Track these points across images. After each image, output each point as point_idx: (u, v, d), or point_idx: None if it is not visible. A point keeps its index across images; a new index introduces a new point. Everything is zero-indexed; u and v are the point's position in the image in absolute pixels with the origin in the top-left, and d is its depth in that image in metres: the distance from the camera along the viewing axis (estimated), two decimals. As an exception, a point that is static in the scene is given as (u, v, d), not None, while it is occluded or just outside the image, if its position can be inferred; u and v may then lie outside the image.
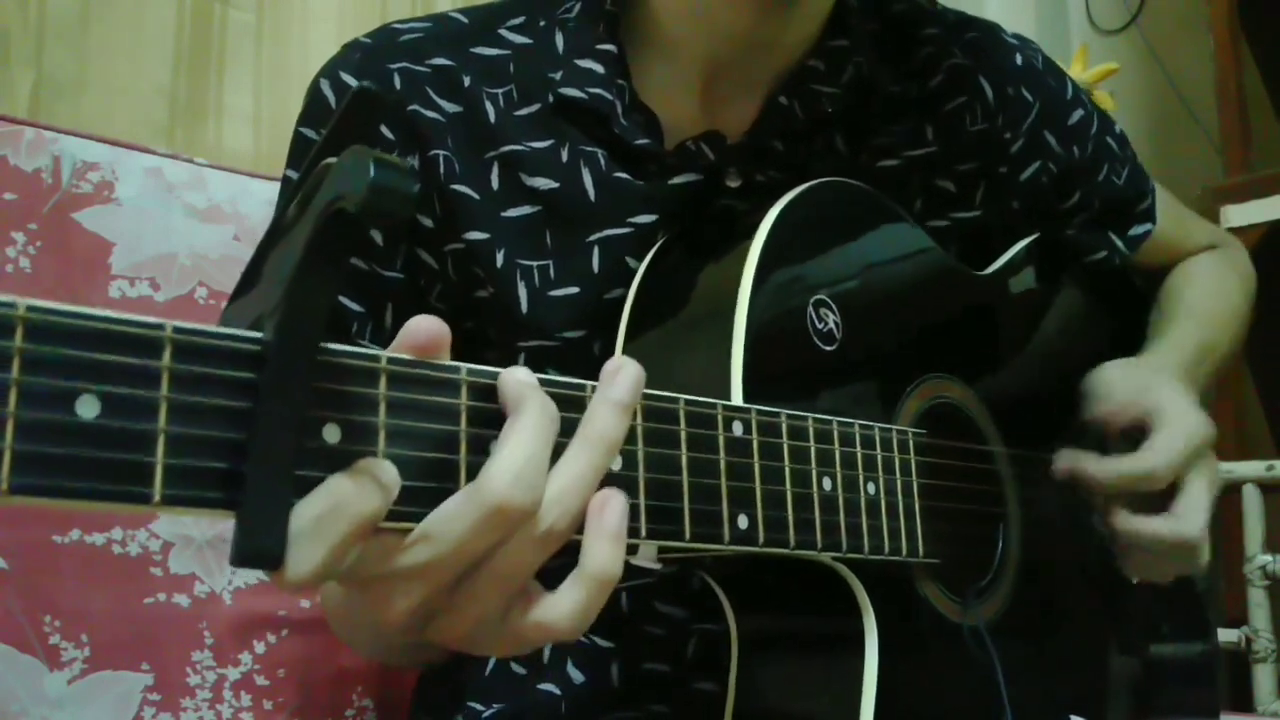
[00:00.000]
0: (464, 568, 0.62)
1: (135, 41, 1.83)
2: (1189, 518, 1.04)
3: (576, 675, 1.06)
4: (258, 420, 0.51)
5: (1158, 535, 1.04)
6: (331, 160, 0.52)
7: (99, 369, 0.48)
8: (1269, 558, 2.19)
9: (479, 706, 1.09)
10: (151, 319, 0.50)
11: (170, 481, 0.50)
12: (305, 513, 0.56)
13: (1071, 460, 1.07)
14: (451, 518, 0.60)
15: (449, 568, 0.61)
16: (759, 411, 0.79)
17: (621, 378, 0.66)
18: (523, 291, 1.02)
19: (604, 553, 0.64)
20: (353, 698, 1.39)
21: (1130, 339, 1.26)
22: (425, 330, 0.62)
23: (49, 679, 1.21)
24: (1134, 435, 1.07)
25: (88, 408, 0.48)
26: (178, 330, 0.50)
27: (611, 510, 0.65)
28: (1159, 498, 1.05)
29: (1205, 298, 1.31)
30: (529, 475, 0.60)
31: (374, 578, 0.61)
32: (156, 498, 0.49)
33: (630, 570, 0.78)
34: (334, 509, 0.56)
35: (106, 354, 0.49)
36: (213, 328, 0.52)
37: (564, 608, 0.65)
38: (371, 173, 0.48)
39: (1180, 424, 1.05)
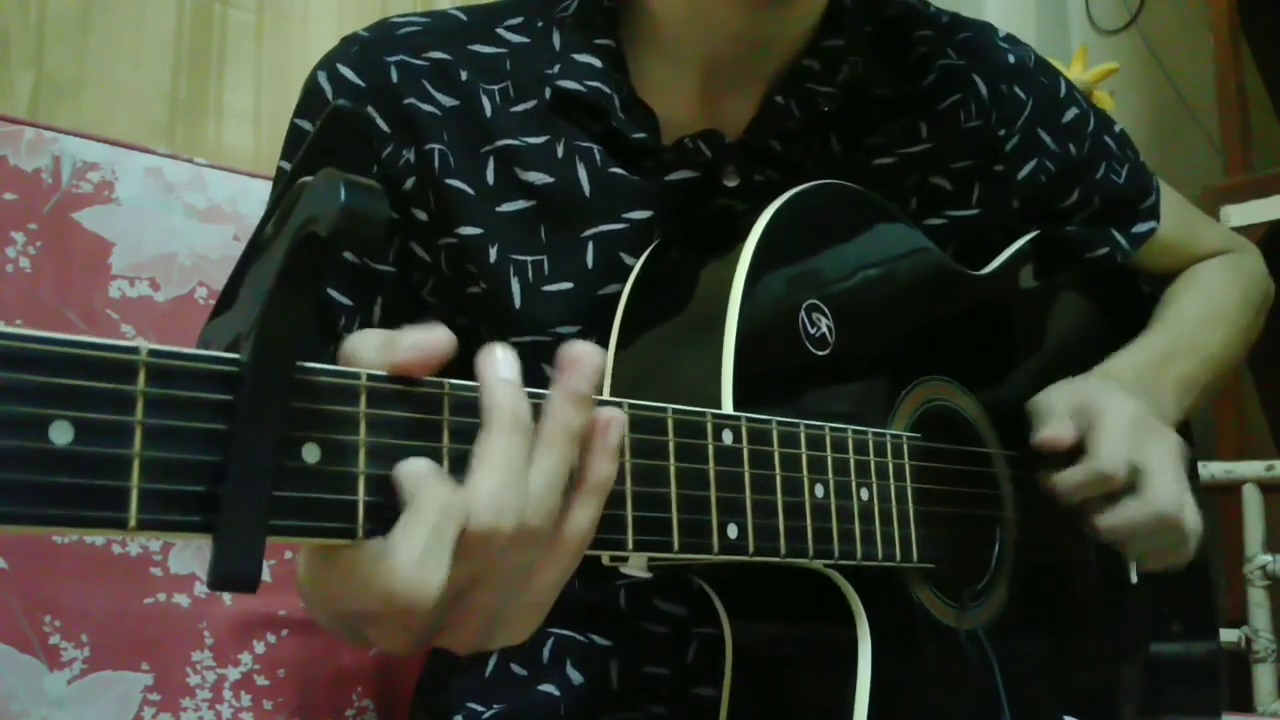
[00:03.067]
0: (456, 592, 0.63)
1: (135, 41, 1.82)
2: (1157, 492, 1.02)
3: (576, 676, 1.07)
4: (235, 442, 0.51)
5: (1133, 520, 1.03)
6: (308, 179, 0.52)
7: (72, 395, 0.48)
8: (1269, 558, 2.19)
9: (479, 707, 1.09)
10: (125, 343, 0.50)
11: (146, 506, 0.50)
12: (417, 534, 0.58)
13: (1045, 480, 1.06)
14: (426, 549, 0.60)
15: (434, 593, 0.61)
16: (749, 419, 0.79)
17: (581, 369, 0.66)
18: (516, 286, 1.01)
19: (607, 468, 0.67)
20: (353, 698, 1.39)
21: (1129, 340, 1.24)
22: (434, 341, 0.61)
23: (49, 679, 1.21)
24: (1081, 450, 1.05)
25: (61, 434, 0.48)
26: (152, 353, 0.50)
27: (614, 431, 0.67)
28: (1130, 487, 1.04)
29: (1188, 305, 1.29)
30: (509, 499, 0.61)
31: (374, 615, 0.62)
32: (132, 523, 0.49)
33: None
34: (445, 516, 0.59)
35: (79, 379, 0.48)
36: (188, 350, 0.52)
37: (583, 521, 0.66)
38: (343, 196, 0.48)
39: (1116, 414, 1.04)
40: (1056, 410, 1.06)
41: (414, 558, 0.57)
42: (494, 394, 0.63)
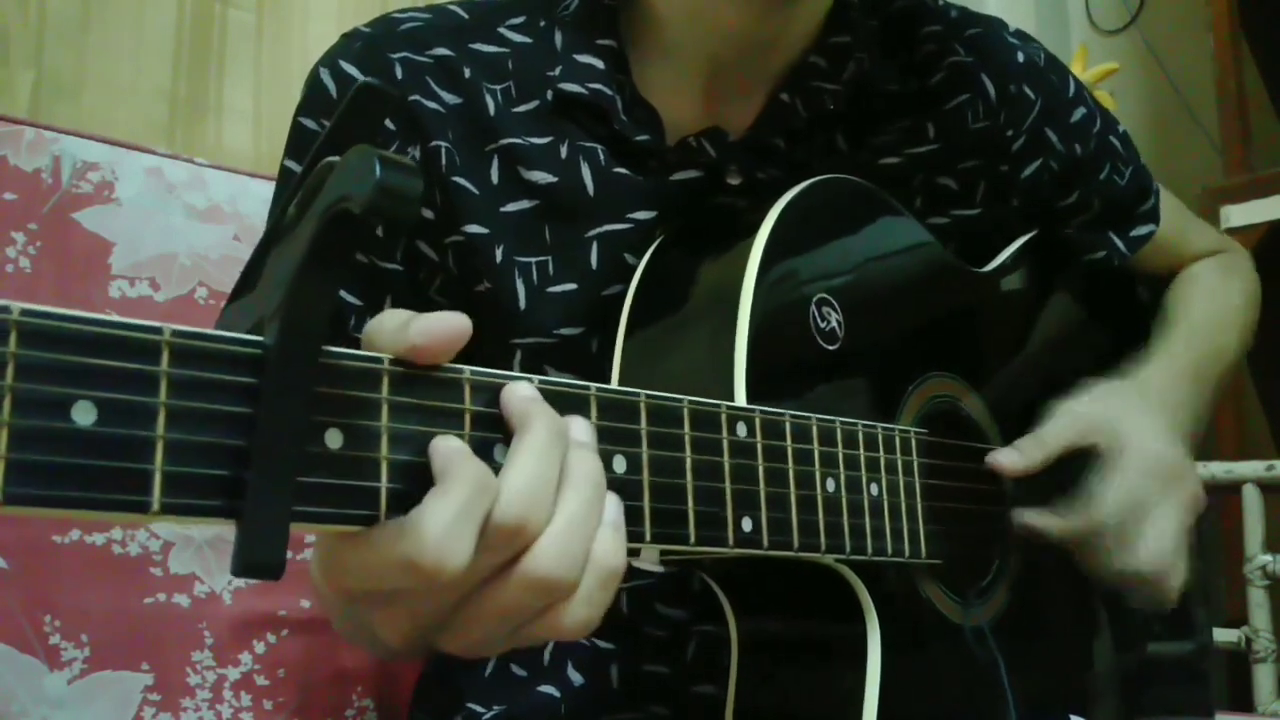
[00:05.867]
0: (470, 586, 0.62)
1: (135, 41, 1.82)
2: (1145, 552, 1.01)
3: (576, 677, 1.06)
4: (259, 426, 0.50)
5: (1116, 573, 1.02)
6: (334, 159, 0.52)
7: (95, 374, 0.47)
8: (1269, 558, 2.18)
9: (479, 708, 1.09)
10: (149, 323, 0.49)
11: (169, 489, 0.49)
12: (449, 503, 0.57)
13: (1021, 518, 1.04)
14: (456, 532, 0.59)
15: (458, 586, 0.61)
16: (763, 413, 0.79)
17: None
18: (521, 288, 1.01)
19: (608, 542, 0.65)
20: (353, 698, 1.39)
21: (1131, 338, 1.25)
22: (451, 326, 0.61)
23: (49, 679, 1.20)
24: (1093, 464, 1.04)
25: (84, 414, 0.47)
26: (176, 334, 0.50)
27: (611, 502, 0.66)
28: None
29: (1204, 310, 1.29)
30: (539, 493, 0.61)
31: (387, 593, 0.62)
32: (155, 506, 0.48)
33: (630, 570, 0.78)
34: (478, 490, 0.58)
35: (103, 359, 0.48)
36: (212, 331, 0.51)
37: (574, 606, 0.65)
38: (378, 173, 0.47)
39: (1134, 461, 1.03)
40: (1076, 427, 1.05)
41: (442, 527, 0.57)
42: (527, 401, 0.64)
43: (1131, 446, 1.03)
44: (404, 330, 0.60)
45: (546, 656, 1.08)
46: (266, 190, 1.42)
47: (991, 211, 1.17)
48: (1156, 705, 1.21)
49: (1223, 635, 2.18)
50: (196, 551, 1.31)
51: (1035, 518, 1.03)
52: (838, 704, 0.88)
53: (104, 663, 1.24)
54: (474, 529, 0.58)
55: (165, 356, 0.49)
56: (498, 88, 1.03)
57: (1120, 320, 1.27)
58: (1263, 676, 2.18)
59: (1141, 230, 1.28)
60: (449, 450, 0.59)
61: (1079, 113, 1.22)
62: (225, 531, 0.51)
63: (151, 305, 1.33)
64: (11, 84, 1.68)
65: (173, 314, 1.33)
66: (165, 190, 1.36)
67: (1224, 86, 2.67)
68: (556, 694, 1.06)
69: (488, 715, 1.08)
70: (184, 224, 1.37)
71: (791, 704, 0.91)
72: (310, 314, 0.51)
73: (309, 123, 1.02)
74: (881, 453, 0.89)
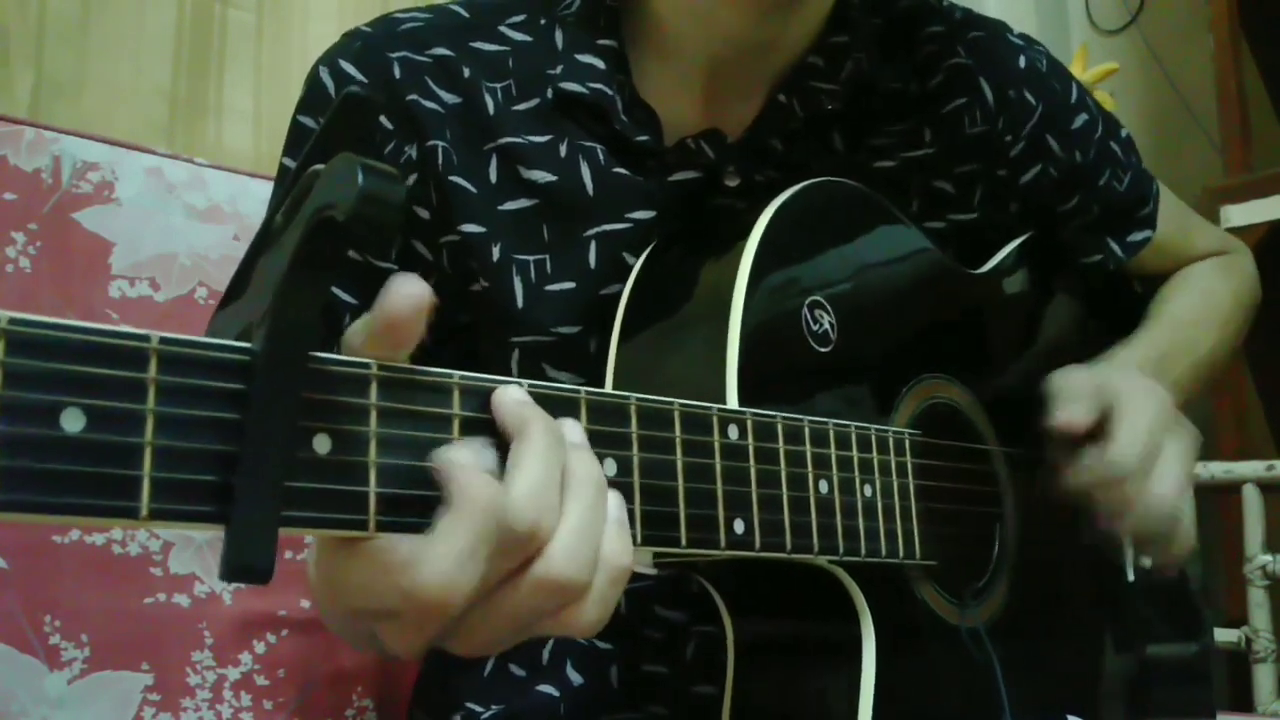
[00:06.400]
0: (480, 595, 0.62)
1: (135, 41, 1.82)
2: (1160, 485, 1.00)
3: (575, 677, 1.06)
4: (247, 432, 0.51)
5: (1131, 506, 1.00)
6: (319, 167, 0.52)
7: (84, 382, 0.48)
8: (1269, 558, 2.19)
9: (478, 708, 1.09)
10: (137, 330, 0.49)
11: (158, 495, 0.49)
12: (460, 532, 0.57)
13: (1051, 479, 1.04)
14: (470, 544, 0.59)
15: (465, 596, 0.61)
16: (754, 415, 0.79)
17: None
18: (519, 286, 1.01)
19: (615, 540, 0.65)
20: (353, 698, 1.39)
21: (1126, 338, 1.24)
22: (410, 290, 0.58)
23: (49, 679, 1.20)
24: (1099, 434, 1.03)
25: (73, 421, 0.47)
26: (164, 341, 0.50)
27: (613, 500, 0.66)
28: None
29: (1185, 305, 1.28)
30: (547, 497, 0.61)
31: (393, 609, 0.61)
32: (144, 512, 0.49)
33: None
34: (490, 513, 0.58)
35: (91, 367, 0.48)
36: (200, 339, 0.52)
37: (588, 606, 0.65)
38: (360, 180, 0.48)
39: (1140, 405, 1.01)
40: (1077, 393, 1.03)
41: (455, 559, 0.57)
42: (523, 405, 0.64)
43: (1129, 395, 1.02)
44: (372, 317, 0.59)
45: (545, 656, 1.08)
46: (266, 190, 1.42)
47: (989, 216, 1.17)
48: (1156, 706, 1.21)
49: (1223, 635, 2.19)
50: (196, 551, 1.31)
51: (1062, 476, 1.02)
52: (833, 705, 0.88)
53: (104, 663, 1.24)
54: (487, 552, 0.58)
55: (153, 363, 0.50)
56: (497, 86, 1.03)
57: (1116, 320, 1.26)
58: (1263, 676, 2.18)
59: (1138, 236, 1.28)
60: (459, 468, 0.59)
61: (1080, 119, 1.21)
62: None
63: (151, 305, 1.33)
64: (11, 84, 1.68)
65: (173, 314, 1.33)
66: (165, 190, 1.36)
67: (1224, 86, 2.67)
68: (555, 693, 1.06)
69: (487, 715, 1.08)
70: (184, 224, 1.37)
71: (788, 705, 0.91)
72: (297, 320, 0.51)
73: (308, 121, 1.03)
74: (875, 454, 0.89)
